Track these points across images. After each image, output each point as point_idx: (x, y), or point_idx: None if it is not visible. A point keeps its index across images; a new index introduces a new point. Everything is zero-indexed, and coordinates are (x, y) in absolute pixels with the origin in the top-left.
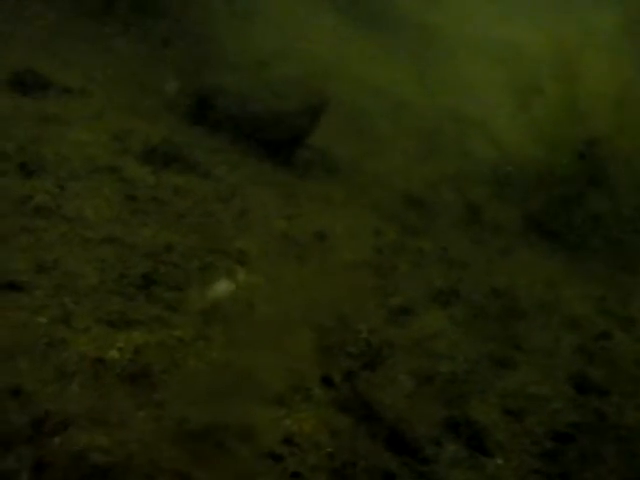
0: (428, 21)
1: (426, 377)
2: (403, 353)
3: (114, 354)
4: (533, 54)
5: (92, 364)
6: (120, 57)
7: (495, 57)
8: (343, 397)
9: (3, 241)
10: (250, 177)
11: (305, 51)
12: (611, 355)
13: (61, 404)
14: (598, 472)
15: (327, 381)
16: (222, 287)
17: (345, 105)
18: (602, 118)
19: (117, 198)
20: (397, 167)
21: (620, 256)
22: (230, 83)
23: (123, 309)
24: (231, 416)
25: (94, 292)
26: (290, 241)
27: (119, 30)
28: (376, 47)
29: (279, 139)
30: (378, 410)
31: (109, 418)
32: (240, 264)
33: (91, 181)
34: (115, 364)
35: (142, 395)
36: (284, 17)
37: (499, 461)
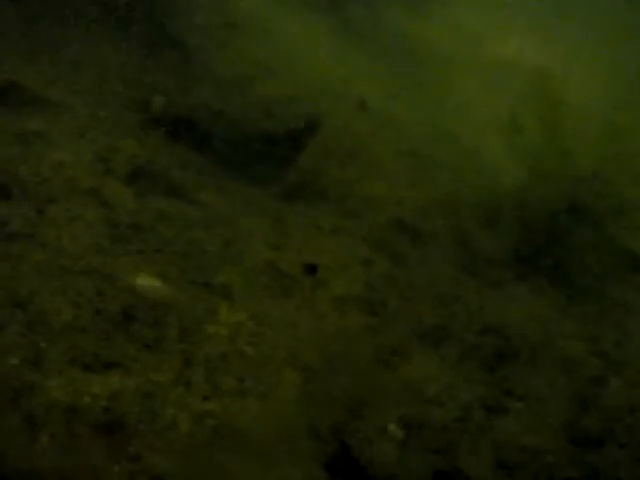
0: (421, 39)
1: (416, 426)
2: (392, 399)
3: (88, 401)
4: (524, 76)
5: (64, 412)
6: (105, 69)
7: (488, 77)
8: (330, 451)
9: None
10: (237, 202)
11: (294, 67)
12: (605, 402)
13: (30, 460)
14: None
15: (313, 432)
16: (144, 282)
17: (335, 124)
18: (589, 149)
19: (97, 224)
20: (388, 191)
21: (612, 294)
22: (218, 101)
23: (99, 349)
24: (211, 471)
25: (69, 330)
26: (277, 274)
27: (107, 40)
28: (367, 64)
29: (268, 161)
30: (367, 466)
31: (81, 476)
32: (223, 299)
33: (71, 205)
34: (88, 412)
35: (117, 448)
36: (273, 31)
37: None
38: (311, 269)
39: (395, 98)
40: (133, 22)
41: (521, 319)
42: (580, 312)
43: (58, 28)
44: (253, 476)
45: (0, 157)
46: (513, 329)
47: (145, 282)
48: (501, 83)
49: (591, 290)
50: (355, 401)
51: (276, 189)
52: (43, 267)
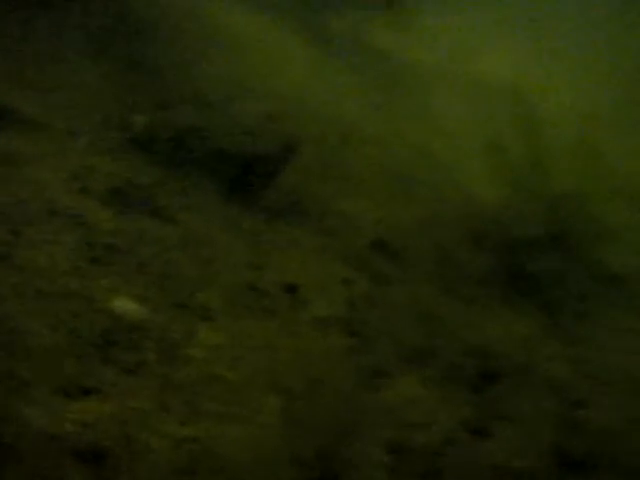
0: (402, 56)
1: (401, 450)
2: (376, 423)
3: (65, 428)
4: (506, 94)
5: (40, 440)
6: (85, 88)
7: (470, 95)
8: (314, 477)
9: None
10: (217, 222)
11: (275, 86)
12: (592, 424)
13: None
14: None
15: (296, 458)
16: (122, 304)
17: (316, 143)
18: (569, 167)
19: (75, 245)
20: (368, 210)
21: (595, 314)
22: (198, 119)
23: (77, 374)
24: None
25: (46, 354)
26: (257, 294)
27: (88, 57)
28: (348, 81)
29: (248, 180)
30: None
31: None
32: (203, 320)
33: (48, 226)
34: (66, 439)
35: (95, 475)
36: (253, 49)
37: None
38: (291, 289)
39: (376, 116)
40: (114, 43)
41: (505, 340)
42: (564, 332)
43: (41, 49)
44: None
45: None
46: (497, 350)
47: (123, 304)
48: (483, 101)
49: (574, 310)
50: (338, 425)
51: (256, 208)
52: (19, 290)
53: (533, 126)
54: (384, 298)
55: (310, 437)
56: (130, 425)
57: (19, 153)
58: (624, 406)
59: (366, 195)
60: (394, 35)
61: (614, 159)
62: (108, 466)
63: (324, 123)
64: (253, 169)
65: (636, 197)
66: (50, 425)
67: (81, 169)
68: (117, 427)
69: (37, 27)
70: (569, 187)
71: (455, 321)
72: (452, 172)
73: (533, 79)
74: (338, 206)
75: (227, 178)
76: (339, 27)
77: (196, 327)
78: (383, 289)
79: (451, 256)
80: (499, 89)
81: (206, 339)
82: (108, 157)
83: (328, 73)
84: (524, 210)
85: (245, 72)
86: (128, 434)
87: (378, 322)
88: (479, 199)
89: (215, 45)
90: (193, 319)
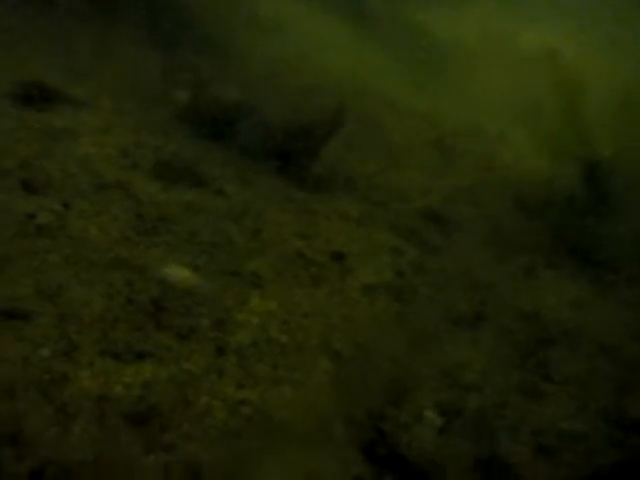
0: (441, 31)
1: (454, 412)
2: (428, 385)
3: (120, 391)
4: (545, 65)
5: (96, 402)
6: (130, 66)
7: (509, 66)
8: (367, 438)
9: (3, 264)
10: (263, 193)
11: (318, 62)
12: None
13: (62, 450)
14: None
15: (349, 419)
16: (173, 272)
17: (359, 116)
18: (607, 131)
19: (125, 217)
20: (414, 181)
21: None
22: (242, 94)
23: (130, 339)
24: (246, 459)
25: (100, 320)
26: (306, 262)
27: (129, 37)
28: (388, 57)
29: (293, 152)
30: (405, 454)
31: (114, 466)
32: (253, 288)
33: (98, 198)
34: (121, 402)
35: (150, 437)
36: (296, 28)
37: None
38: (339, 257)
39: (419, 90)
40: (155, 20)
41: (555, 304)
42: (614, 296)
43: (82, 28)
44: (289, 463)
45: (26, 153)
46: (548, 314)
47: (175, 272)
48: (523, 73)
49: (624, 274)
50: (388, 387)
51: (302, 180)
52: (72, 260)
53: (574, 95)
54: (433, 266)
55: (361, 398)
56: (186, 388)
57: (68, 131)
58: None
59: (412, 166)
60: (433, 14)
61: None
62: (163, 428)
63: (367, 97)
64: (297, 142)
65: None
66: (103, 388)
67: (128, 145)
68: (173, 390)
69: (80, 10)
70: (614, 152)
71: (506, 287)
72: (496, 141)
73: (571, 54)
74: (384, 177)
75: (272, 151)
76: (379, 5)
77: (247, 294)
78: (432, 257)
79: (499, 223)
80: (542, 61)
81: (257, 306)
82: (154, 132)
83: (369, 49)
84: (570, 176)
85: (287, 49)
86: (184, 397)
87: (427, 289)
88: (524, 167)
89: (256, 26)
90: (244, 286)
